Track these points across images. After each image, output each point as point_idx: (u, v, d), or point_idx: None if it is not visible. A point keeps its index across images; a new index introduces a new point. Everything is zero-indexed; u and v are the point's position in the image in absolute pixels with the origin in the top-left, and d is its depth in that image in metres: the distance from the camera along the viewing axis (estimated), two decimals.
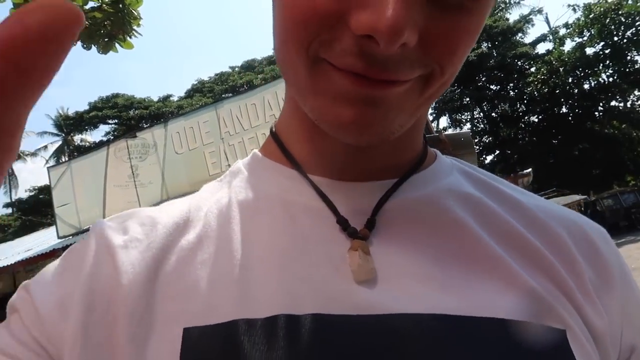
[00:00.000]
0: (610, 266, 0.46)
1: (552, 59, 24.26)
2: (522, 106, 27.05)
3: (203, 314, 0.37)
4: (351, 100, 0.37)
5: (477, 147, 26.45)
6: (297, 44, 0.37)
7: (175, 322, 0.37)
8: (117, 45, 3.71)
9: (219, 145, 6.60)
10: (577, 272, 0.44)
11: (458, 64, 0.39)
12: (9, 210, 34.29)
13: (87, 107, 33.31)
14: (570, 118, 25.41)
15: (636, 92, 24.09)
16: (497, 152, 27.91)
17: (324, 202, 0.44)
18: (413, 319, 0.37)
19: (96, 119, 32.40)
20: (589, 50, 23.76)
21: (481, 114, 28.32)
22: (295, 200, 0.45)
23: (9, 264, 6.51)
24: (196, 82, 35.72)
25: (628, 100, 24.82)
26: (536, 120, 26.99)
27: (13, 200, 34.79)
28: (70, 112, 34.70)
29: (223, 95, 24.92)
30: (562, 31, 25.76)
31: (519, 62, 26.95)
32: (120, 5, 3.54)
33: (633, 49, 22.26)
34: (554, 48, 25.92)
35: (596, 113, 25.06)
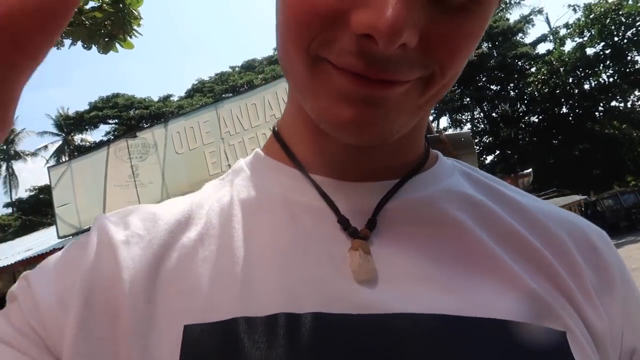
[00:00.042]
0: (611, 268, 0.46)
1: (552, 59, 24.27)
2: (523, 106, 27.05)
3: (204, 311, 0.37)
4: (351, 100, 0.36)
5: (478, 147, 26.45)
6: (297, 43, 0.37)
7: (175, 319, 0.37)
8: (117, 45, 3.71)
9: (219, 145, 6.60)
10: (578, 273, 0.44)
11: (459, 66, 0.39)
12: (9, 210, 34.31)
13: (87, 107, 33.32)
14: (570, 118, 25.41)
15: (636, 93, 24.10)
16: (498, 152, 27.91)
17: (325, 201, 0.44)
18: (413, 319, 0.37)
19: (96, 119, 32.40)
20: (590, 51, 23.78)
21: (481, 114, 28.32)
22: (297, 200, 0.45)
23: (9, 263, 6.51)
24: (196, 82, 35.73)
25: (628, 101, 24.83)
26: (536, 120, 26.99)
27: (13, 200, 34.81)
28: (71, 112, 34.73)
29: (223, 95, 24.93)
30: (563, 31, 25.78)
31: (519, 62, 26.95)
32: (121, 5, 3.54)
33: (633, 49, 22.26)
34: (554, 48, 25.93)
35: (596, 113, 25.06)
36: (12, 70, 0.17)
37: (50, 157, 34.57)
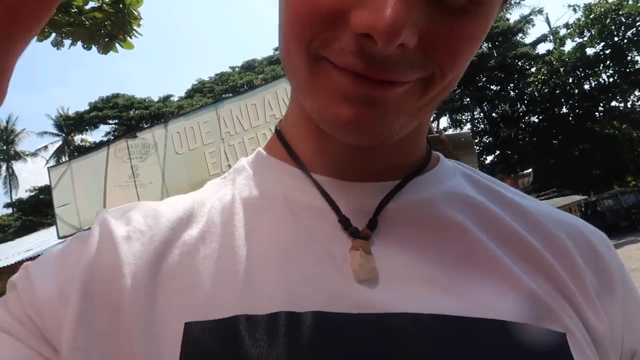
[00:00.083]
0: (611, 270, 0.47)
1: (552, 59, 24.27)
2: (523, 106, 27.05)
3: (205, 309, 0.38)
4: (350, 100, 0.37)
5: (478, 148, 26.46)
6: (298, 41, 0.37)
7: (176, 316, 0.37)
8: (117, 45, 3.71)
9: (219, 146, 6.59)
10: (578, 275, 0.44)
11: (460, 68, 0.39)
12: (9, 211, 34.30)
13: (87, 107, 33.32)
14: (570, 118, 25.41)
15: (636, 93, 24.10)
16: (498, 152, 27.91)
17: (326, 201, 0.44)
18: (413, 319, 0.37)
19: (96, 119, 32.40)
20: (590, 51, 23.78)
21: (481, 114, 28.31)
22: (298, 199, 0.45)
23: (9, 264, 6.51)
24: (196, 82, 35.74)
25: (628, 101, 24.83)
26: (536, 120, 26.99)
27: (13, 200, 34.80)
28: (71, 112, 34.74)
29: (223, 96, 24.91)
30: (563, 31, 25.78)
31: (519, 63, 26.95)
32: (121, 6, 3.54)
33: (633, 49, 22.26)
34: (554, 48, 25.93)
35: (596, 113, 25.06)
36: (8, 41, 0.18)
37: (50, 157, 34.58)
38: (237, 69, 36.03)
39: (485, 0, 0.37)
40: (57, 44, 3.45)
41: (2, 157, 36.18)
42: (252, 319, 0.36)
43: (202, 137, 6.63)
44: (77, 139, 35.53)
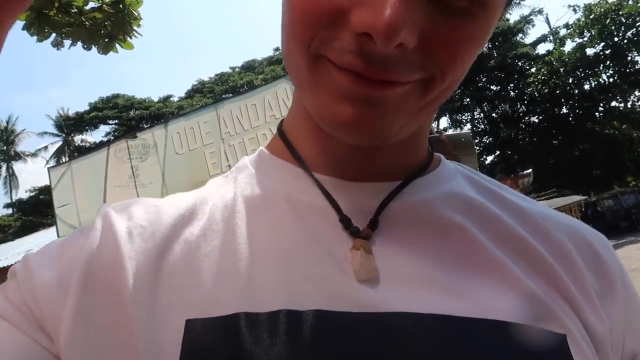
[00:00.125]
0: (612, 272, 0.47)
1: (552, 59, 24.27)
2: (523, 107, 27.05)
3: (206, 306, 0.38)
4: (350, 99, 0.37)
5: (478, 148, 26.45)
6: (299, 40, 0.38)
7: (177, 312, 0.37)
8: (117, 45, 3.71)
9: (220, 146, 6.59)
10: (579, 276, 0.44)
11: (460, 69, 0.39)
12: (10, 211, 34.30)
13: (87, 108, 33.35)
14: (570, 118, 25.41)
15: (636, 93, 24.11)
16: (498, 152, 27.91)
17: (327, 200, 0.44)
18: (414, 318, 0.37)
19: (96, 120, 32.41)
20: (590, 51, 23.78)
21: (481, 114, 28.32)
22: (300, 198, 0.45)
23: (10, 264, 6.52)
24: (196, 82, 35.77)
25: (628, 101, 24.84)
26: (536, 120, 26.99)
27: (13, 200, 34.81)
28: (71, 113, 34.76)
29: (223, 96, 24.92)
30: (563, 32, 25.80)
31: (519, 63, 26.96)
32: (121, 6, 3.53)
33: (633, 49, 22.26)
34: (554, 48, 25.93)
35: (597, 113, 25.06)
36: (2, 8, 0.18)
37: (50, 157, 34.59)
38: (237, 70, 36.06)
39: (488, 2, 0.36)
40: (57, 44, 3.45)
41: (2, 157, 36.19)
42: (253, 316, 0.36)
43: (202, 137, 6.63)
44: (77, 139, 35.57)
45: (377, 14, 0.32)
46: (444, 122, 29.33)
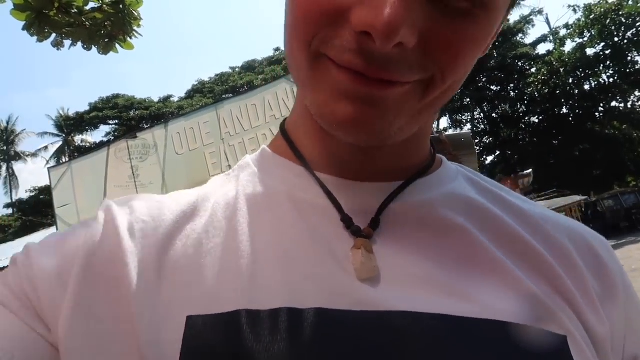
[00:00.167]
0: (613, 275, 0.47)
1: (552, 59, 24.27)
2: (523, 107, 27.04)
3: (207, 302, 0.38)
4: (350, 98, 0.37)
5: (478, 148, 26.45)
6: (300, 39, 0.38)
7: (178, 308, 0.37)
8: (117, 45, 3.71)
9: (220, 146, 6.59)
10: (580, 278, 0.44)
11: (461, 71, 0.39)
12: (10, 211, 34.30)
13: (87, 108, 33.34)
14: (570, 119, 25.40)
15: (637, 93, 24.10)
16: (498, 152, 27.90)
17: (329, 200, 0.44)
18: (414, 317, 0.37)
19: (97, 120, 32.41)
20: (590, 51, 23.78)
21: (482, 114, 28.31)
22: (301, 197, 0.45)
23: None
24: (197, 82, 35.77)
25: (628, 101, 24.83)
26: (537, 120, 26.98)
27: (14, 200, 34.81)
28: (71, 113, 34.76)
29: (223, 96, 24.92)
30: (563, 32, 25.80)
31: (519, 63, 26.95)
32: (121, 6, 3.54)
33: (633, 49, 22.26)
34: (554, 49, 25.93)
35: (597, 114, 25.06)
36: None
37: (51, 157, 34.59)
38: (237, 70, 36.06)
39: (489, 3, 0.36)
40: (57, 45, 3.44)
41: (2, 157, 36.20)
42: (254, 314, 0.36)
43: (202, 137, 6.63)
44: (78, 139, 35.57)
45: (376, 13, 0.32)
46: (444, 122, 29.36)
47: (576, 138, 24.36)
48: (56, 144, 35.36)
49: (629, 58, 22.75)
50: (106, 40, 3.65)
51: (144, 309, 0.37)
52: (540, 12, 30.29)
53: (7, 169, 36.16)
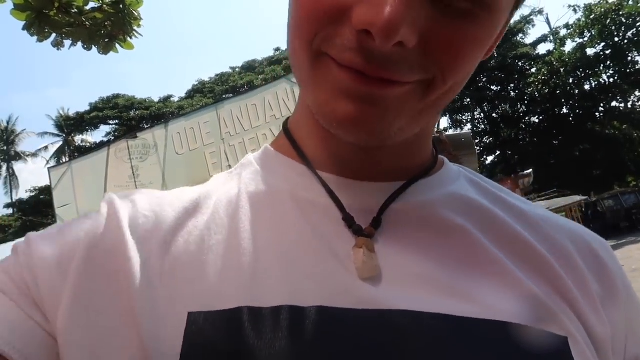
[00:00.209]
0: (613, 276, 0.47)
1: (552, 59, 24.28)
2: (523, 107, 27.05)
3: (208, 299, 0.38)
4: (350, 97, 0.37)
5: (478, 148, 26.45)
6: (302, 38, 0.38)
7: (179, 305, 0.37)
8: (117, 45, 3.71)
9: (220, 146, 6.59)
10: (581, 279, 0.44)
11: (462, 72, 0.39)
12: (10, 211, 34.30)
13: (87, 108, 33.36)
14: (571, 119, 25.41)
15: (637, 93, 24.12)
16: (498, 152, 27.91)
17: (331, 199, 0.44)
18: (414, 317, 0.37)
19: (97, 120, 32.42)
20: (590, 51, 23.79)
21: (482, 114, 28.32)
22: (303, 196, 0.45)
23: None
24: (197, 82, 35.77)
25: (629, 101, 24.85)
26: (537, 120, 27.00)
27: (14, 200, 34.81)
28: (71, 113, 34.77)
29: (224, 96, 24.93)
30: (563, 32, 25.81)
31: (519, 63, 26.97)
32: (121, 6, 3.54)
33: (634, 49, 22.26)
34: (554, 49, 25.95)
35: (597, 114, 25.06)
36: None
37: (51, 157, 34.59)
38: (237, 70, 36.06)
39: (491, 4, 0.36)
40: (57, 45, 3.44)
41: (2, 157, 36.22)
42: (255, 311, 0.36)
43: (203, 137, 6.63)
44: (78, 139, 35.59)
45: (377, 11, 0.33)
46: (445, 122, 29.36)
47: (576, 138, 24.37)
48: (56, 144, 35.39)
49: (629, 58, 22.76)
50: (106, 40, 3.65)
51: (145, 304, 0.37)
52: (540, 12, 30.33)
53: (8, 169, 36.19)
